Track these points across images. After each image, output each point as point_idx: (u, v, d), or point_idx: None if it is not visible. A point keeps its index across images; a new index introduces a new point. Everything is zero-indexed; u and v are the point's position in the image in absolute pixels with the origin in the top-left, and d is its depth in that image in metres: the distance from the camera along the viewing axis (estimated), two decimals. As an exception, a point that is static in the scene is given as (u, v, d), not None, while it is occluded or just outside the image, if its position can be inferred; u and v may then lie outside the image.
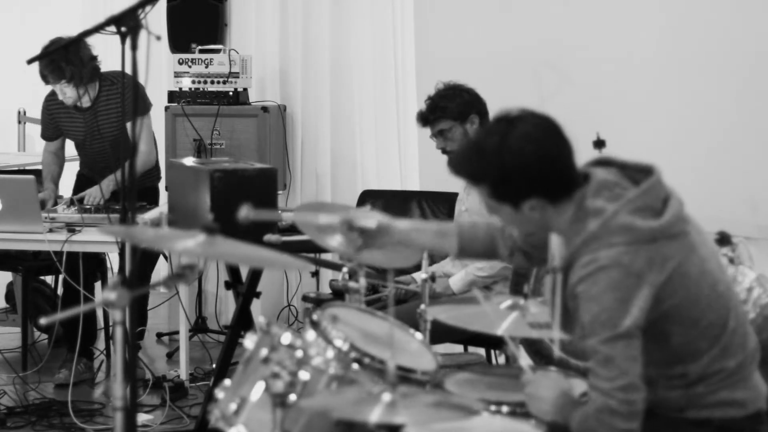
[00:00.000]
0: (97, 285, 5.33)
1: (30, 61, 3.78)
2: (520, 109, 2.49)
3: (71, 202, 4.91)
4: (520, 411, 2.65)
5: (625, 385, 2.38)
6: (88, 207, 4.88)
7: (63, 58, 4.90)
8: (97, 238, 4.48)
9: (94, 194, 5.00)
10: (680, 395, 2.50)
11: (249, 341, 2.61)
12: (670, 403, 2.51)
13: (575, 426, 2.43)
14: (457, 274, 4.32)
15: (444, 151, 4.47)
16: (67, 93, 5.03)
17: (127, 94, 4.99)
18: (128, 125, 5.04)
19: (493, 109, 4.76)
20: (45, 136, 5.33)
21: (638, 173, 2.51)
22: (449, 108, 4.39)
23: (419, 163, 6.12)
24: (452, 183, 4.60)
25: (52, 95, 5.19)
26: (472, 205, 4.44)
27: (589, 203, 2.46)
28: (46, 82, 5.01)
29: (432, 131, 4.45)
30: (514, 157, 2.43)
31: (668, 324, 2.45)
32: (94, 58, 5.01)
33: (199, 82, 6.02)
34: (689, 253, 2.47)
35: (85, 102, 5.10)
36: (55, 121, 5.25)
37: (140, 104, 5.14)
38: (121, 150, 4.89)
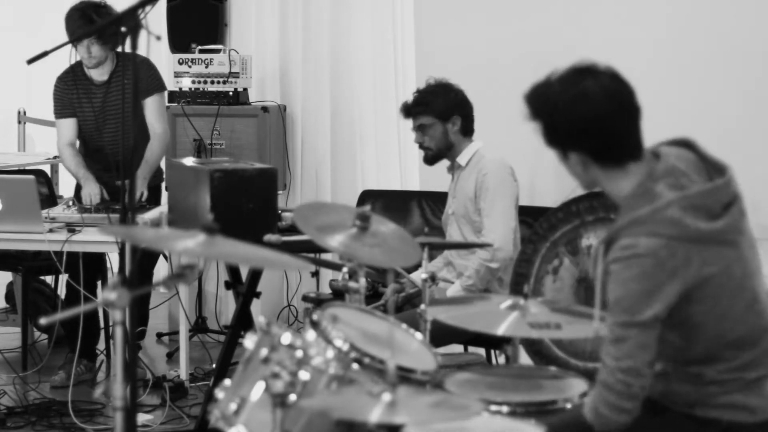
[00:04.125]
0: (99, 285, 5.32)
1: (30, 61, 3.78)
2: (605, 67, 2.51)
3: (72, 202, 4.90)
4: (520, 411, 2.65)
5: (628, 368, 2.41)
6: (88, 207, 4.87)
7: (94, 12, 4.85)
8: (97, 238, 4.48)
9: (92, 193, 4.98)
10: (692, 390, 2.50)
11: (249, 341, 2.61)
12: (681, 397, 2.51)
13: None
14: (452, 286, 4.32)
15: (421, 146, 4.48)
16: (93, 51, 4.96)
17: (140, 72, 4.97)
18: (142, 103, 5.08)
19: (493, 109, 4.78)
20: (63, 113, 5.17)
21: (714, 169, 2.51)
22: (433, 104, 4.39)
23: (419, 163, 6.11)
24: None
25: (67, 74, 5.12)
26: (457, 208, 4.45)
27: (651, 184, 2.45)
28: (74, 38, 4.81)
29: (413, 124, 4.46)
30: (566, 110, 2.47)
31: (692, 331, 2.45)
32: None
33: (199, 82, 6.02)
34: (732, 265, 2.45)
35: (103, 74, 5.06)
36: (69, 99, 5.14)
37: (156, 82, 5.17)
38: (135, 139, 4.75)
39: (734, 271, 2.46)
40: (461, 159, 4.44)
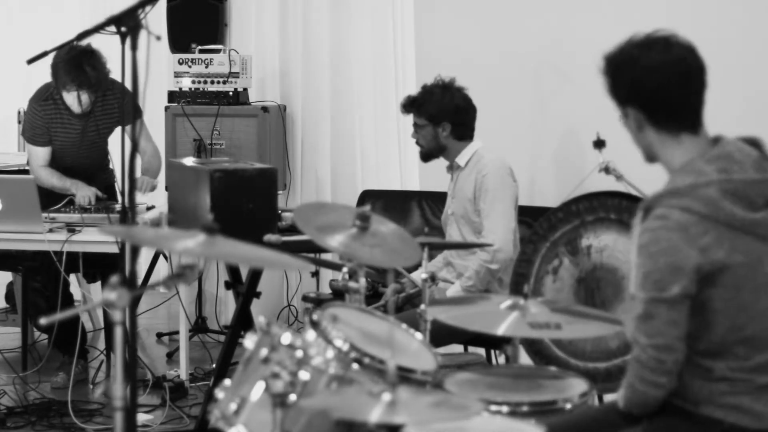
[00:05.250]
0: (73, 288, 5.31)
1: (30, 61, 3.78)
2: (684, 40, 2.57)
3: (69, 203, 4.90)
4: (519, 411, 2.65)
5: (659, 345, 2.44)
6: (88, 207, 4.87)
7: (89, 63, 4.81)
8: (97, 238, 4.48)
9: (87, 195, 4.97)
10: (702, 386, 2.50)
11: (249, 341, 2.61)
12: (688, 393, 2.51)
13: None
14: (452, 287, 4.32)
15: (417, 143, 4.53)
16: (83, 100, 4.92)
17: (123, 99, 4.97)
18: (128, 128, 5.07)
19: (493, 109, 4.78)
20: (38, 141, 5.12)
21: None
22: (426, 106, 4.44)
23: (419, 163, 6.11)
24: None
25: (46, 99, 5.06)
26: (456, 208, 4.45)
27: (701, 164, 2.46)
28: (63, 88, 4.87)
29: (413, 119, 4.52)
30: (628, 69, 2.53)
31: (709, 317, 2.45)
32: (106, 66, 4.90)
33: (199, 82, 6.03)
34: (763, 260, 2.46)
35: (85, 108, 5.02)
36: (47, 126, 5.09)
37: (137, 108, 5.14)
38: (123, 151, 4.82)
39: (764, 266, 2.46)
40: (460, 159, 4.44)
